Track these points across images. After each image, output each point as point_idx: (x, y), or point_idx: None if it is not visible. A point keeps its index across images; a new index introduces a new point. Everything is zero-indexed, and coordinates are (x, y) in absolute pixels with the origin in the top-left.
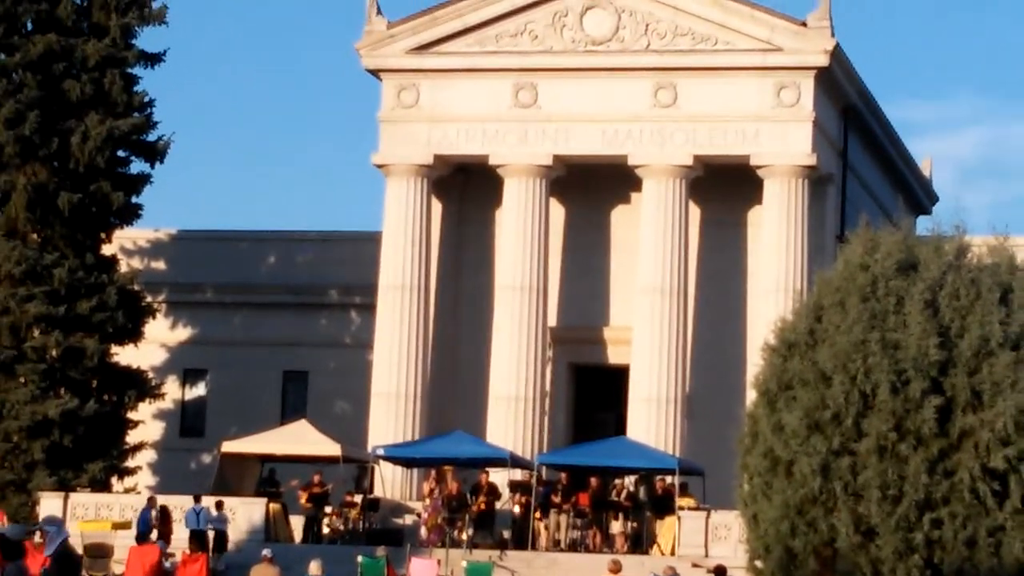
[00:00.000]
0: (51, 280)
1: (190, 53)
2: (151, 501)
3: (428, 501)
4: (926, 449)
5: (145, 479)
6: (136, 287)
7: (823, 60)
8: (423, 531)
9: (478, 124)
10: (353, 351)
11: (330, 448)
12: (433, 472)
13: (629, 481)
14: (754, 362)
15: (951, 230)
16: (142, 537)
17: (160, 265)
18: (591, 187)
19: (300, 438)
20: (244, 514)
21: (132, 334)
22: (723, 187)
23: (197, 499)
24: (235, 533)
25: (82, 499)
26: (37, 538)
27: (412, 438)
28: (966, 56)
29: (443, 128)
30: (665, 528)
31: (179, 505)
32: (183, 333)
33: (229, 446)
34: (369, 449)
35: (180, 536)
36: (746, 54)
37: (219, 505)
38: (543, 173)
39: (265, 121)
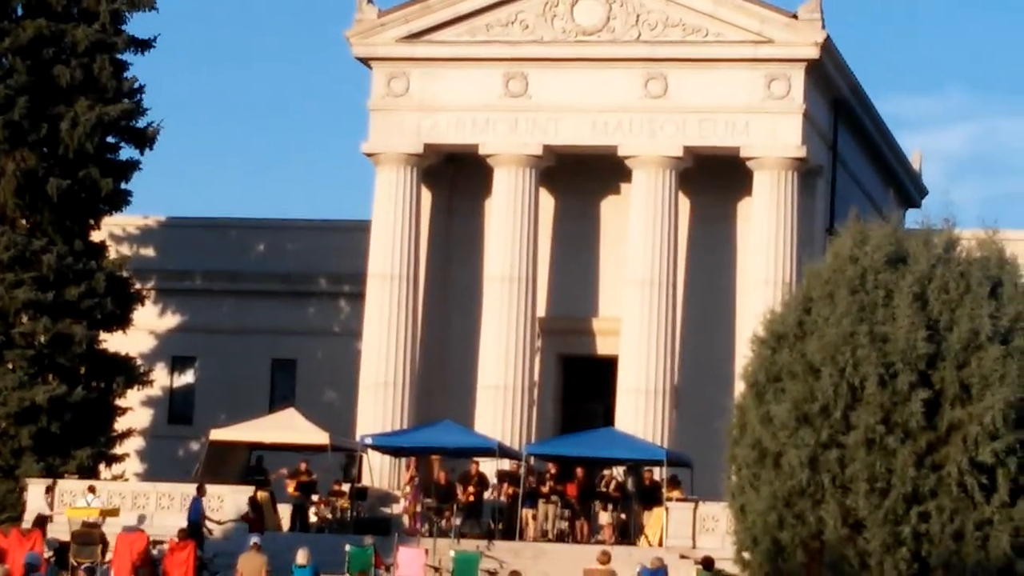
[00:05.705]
0: (40, 266)
1: (180, 39)
2: (200, 490)
3: (408, 489)
4: (914, 442)
5: (133, 466)
6: (125, 274)
7: (814, 52)
8: (405, 519)
9: (468, 113)
10: (342, 340)
11: (318, 436)
12: (412, 460)
13: (617, 472)
14: (743, 354)
15: (941, 223)
16: (193, 529)
17: (149, 252)
18: (581, 178)
19: (288, 426)
20: (232, 502)
21: (120, 321)
22: (713, 179)
23: (200, 490)
24: (221, 516)
25: (69, 486)
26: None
27: (400, 427)
28: (957, 51)
29: (433, 117)
30: (653, 519)
31: (167, 492)
32: (172, 320)
33: (217, 434)
34: (357, 438)
35: (167, 524)
36: (737, 46)
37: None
38: (533, 163)
39: (255, 108)
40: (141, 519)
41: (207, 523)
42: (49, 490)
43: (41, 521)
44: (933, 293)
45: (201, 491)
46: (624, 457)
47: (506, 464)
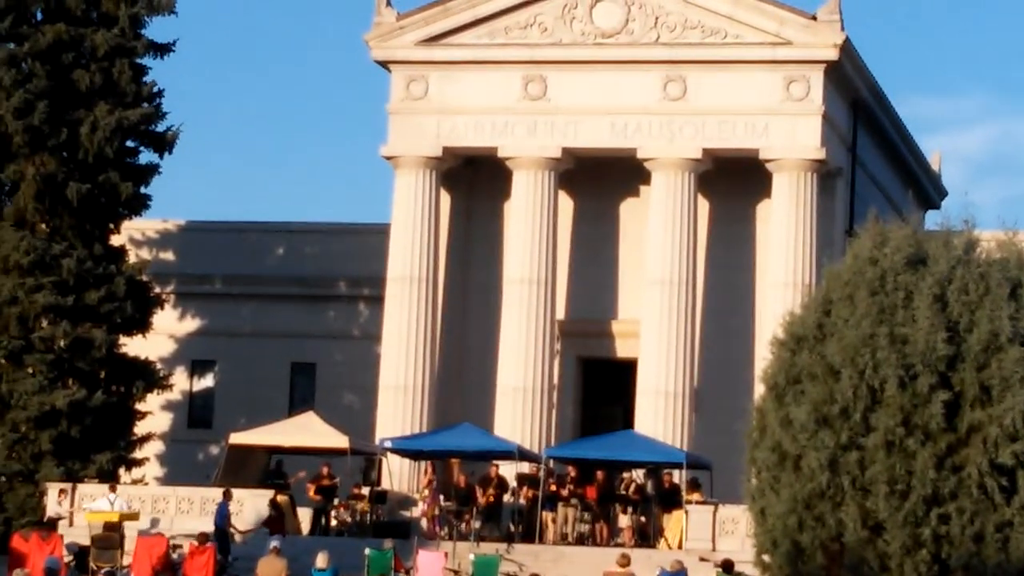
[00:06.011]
0: (59, 270)
1: (199, 43)
2: (226, 494)
3: (427, 492)
4: (934, 444)
5: (153, 470)
6: (144, 278)
7: (832, 54)
8: (424, 522)
9: (487, 116)
10: (361, 343)
11: (338, 440)
12: (430, 463)
13: (637, 475)
14: (762, 356)
15: (960, 225)
16: (219, 533)
17: (168, 256)
18: (600, 180)
19: (308, 430)
20: (251, 506)
21: (140, 325)
22: (732, 181)
23: (226, 494)
24: (242, 524)
25: (89, 490)
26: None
27: (420, 430)
28: (976, 52)
29: (452, 120)
30: (672, 522)
31: (187, 496)
32: (191, 324)
33: (237, 438)
34: (377, 441)
35: (187, 528)
36: (755, 47)
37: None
38: (552, 166)
39: (274, 112)
40: (154, 522)
41: (232, 527)
42: (63, 492)
43: (51, 523)
44: (953, 295)
45: (227, 495)
46: (644, 460)
47: (525, 467)
